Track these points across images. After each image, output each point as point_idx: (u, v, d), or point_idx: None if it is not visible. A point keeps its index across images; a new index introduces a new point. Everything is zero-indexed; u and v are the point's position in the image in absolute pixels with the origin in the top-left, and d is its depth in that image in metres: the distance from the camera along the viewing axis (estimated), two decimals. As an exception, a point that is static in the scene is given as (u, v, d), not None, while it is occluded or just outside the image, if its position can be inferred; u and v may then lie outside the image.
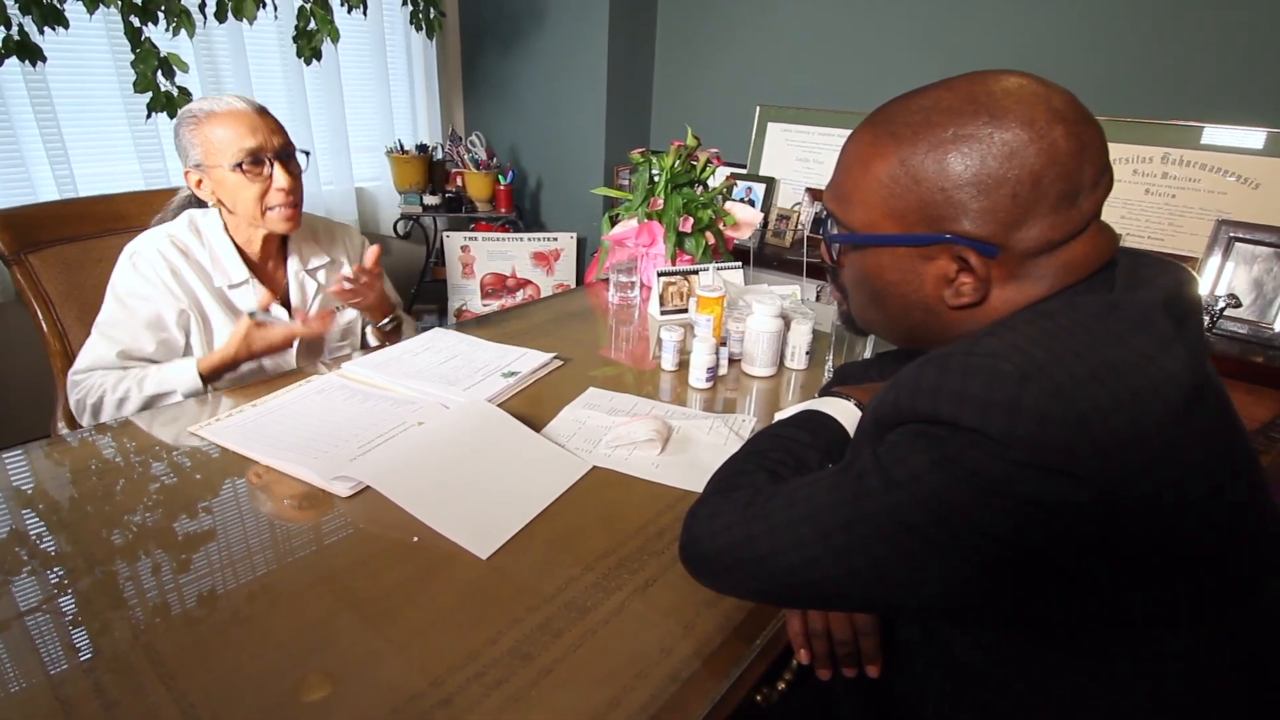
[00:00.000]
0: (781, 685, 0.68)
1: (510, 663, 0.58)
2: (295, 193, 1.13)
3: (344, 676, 0.56)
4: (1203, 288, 1.59)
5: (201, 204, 1.17)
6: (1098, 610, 0.49)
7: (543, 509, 0.78)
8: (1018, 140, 0.49)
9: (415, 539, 0.72)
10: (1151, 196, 1.66)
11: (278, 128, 1.12)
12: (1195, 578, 0.48)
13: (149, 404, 1.06)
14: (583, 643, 0.60)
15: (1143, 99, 1.70)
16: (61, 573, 0.67)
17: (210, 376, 1.08)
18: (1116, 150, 1.69)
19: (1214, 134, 1.62)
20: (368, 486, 0.80)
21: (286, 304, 1.23)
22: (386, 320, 1.29)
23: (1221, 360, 1.49)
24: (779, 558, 0.54)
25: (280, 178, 1.10)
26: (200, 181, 1.12)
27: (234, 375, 1.13)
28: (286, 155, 1.12)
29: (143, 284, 1.09)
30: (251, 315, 1.07)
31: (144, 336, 1.09)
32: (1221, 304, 1.54)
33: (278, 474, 0.83)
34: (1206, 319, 1.54)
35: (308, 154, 1.17)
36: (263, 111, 1.11)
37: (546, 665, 0.58)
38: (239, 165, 1.08)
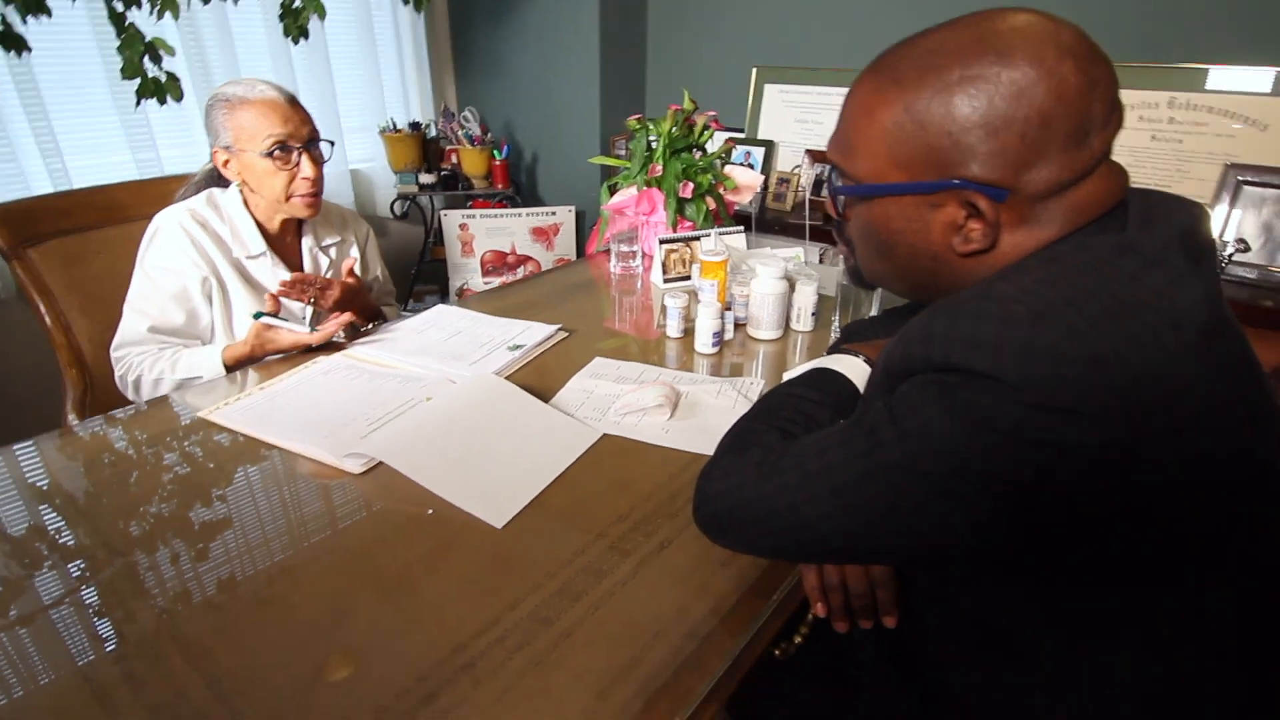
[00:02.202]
0: (798, 639, 0.69)
1: (531, 627, 0.58)
2: (318, 181, 1.18)
3: (367, 648, 0.56)
4: (1212, 231, 1.57)
5: (222, 182, 1.22)
6: (1115, 560, 0.49)
7: (555, 478, 0.79)
8: (1026, 79, 0.48)
9: (430, 511, 0.73)
10: (1158, 143, 1.63)
11: (307, 118, 1.17)
12: (1214, 524, 0.48)
13: (180, 385, 1.11)
14: (601, 605, 0.61)
15: (1147, 42, 1.66)
16: (81, 563, 0.67)
17: (234, 367, 1.11)
18: (1123, 97, 1.66)
19: (1220, 76, 1.58)
20: (380, 463, 0.80)
21: None
22: (370, 325, 1.29)
23: (1231, 305, 1.47)
24: (793, 514, 0.55)
25: (306, 167, 1.15)
26: (228, 162, 1.16)
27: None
28: (313, 144, 1.17)
29: (165, 257, 1.14)
30: (258, 317, 1.10)
31: (171, 308, 1.14)
32: (1230, 249, 1.51)
33: (290, 454, 0.84)
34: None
35: (332, 144, 1.22)
36: (294, 101, 1.16)
37: (566, 628, 0.58)
38: (269, 153, 1.12)
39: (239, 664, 0.55)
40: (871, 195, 0.57)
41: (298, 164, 1.14)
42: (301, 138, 1.14)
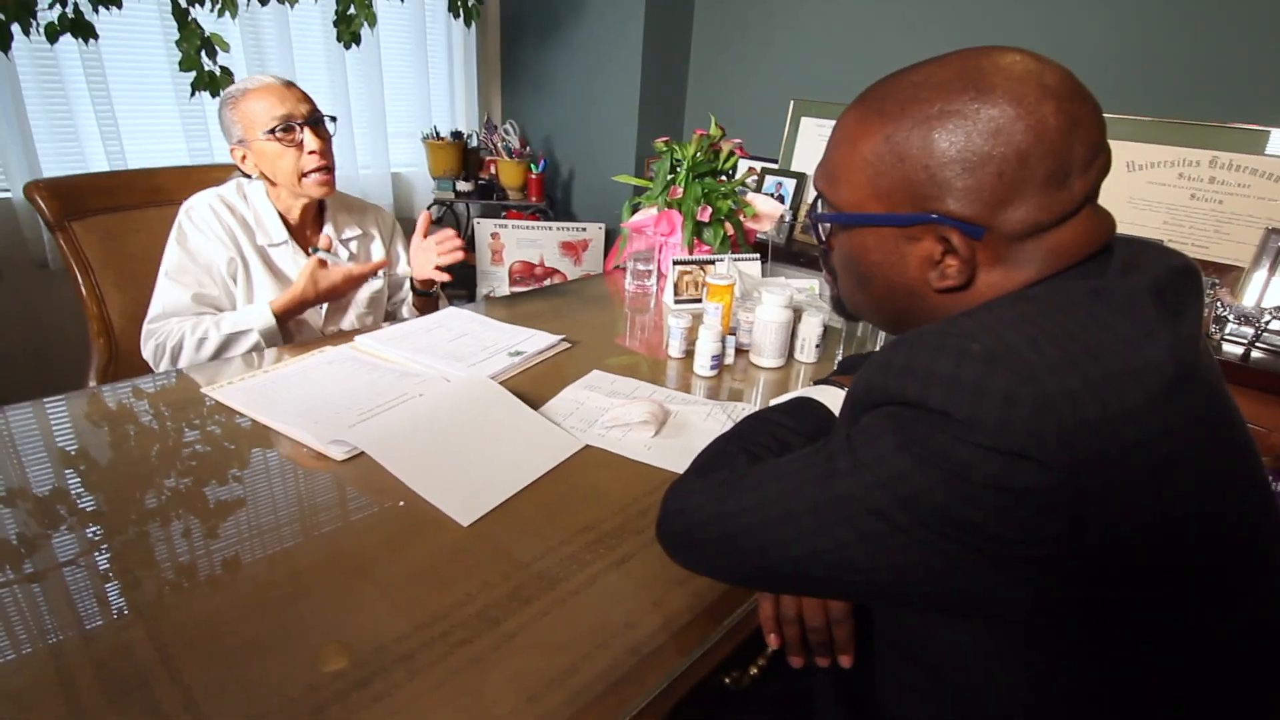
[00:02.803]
0: (754, 671, 0.68)
1: (476, 625, 0.58)
2: (327, 156, 1.22)
3: (312, 627, 0.57)
4: (1247, 299, 1.51)
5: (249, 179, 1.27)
6: (1064, 607, 0.47)
7: (529, 482, 0.79)
8: (1004, 117, 0.48)
9: (402, 504, 0.74)
10: (1197, 201, 1.59)
11: (304, 96, 1.22)
12: (1170, 580, 0.46)
13: (225, 344, 1.15)
14: (550, 611, 0.60)
15: (1194, 101, 1.63)
16: (69, 522, 0.70)
17: (283, 316, 1.17)
18: (1162, 153, 1.62)
19: (1277, 140, 1.54)
20: (362, 452, 0.81)
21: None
22: (434, 287, 1.37)
23: (1264, 375, 1.41)
24: (746, 537, 0.54)
25: (310, 141, 1.19)
26: (244, 156, 1.22)
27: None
28: (315, 121, 1.21)
29: (198, 233, 1.20)
30: (314, 251, 1.17)
31: (208, 281, 1.20)
32: (1267, 317, 1.46)
33: (280, 436, 0.86)
34: (1251, 331, 1.47)
35: (335, 119, 1.26)
36: (289, 84, 1.21)
37: (511, 630, 0.58)
38: (271, 132, 1.17)
39: (185, 627, 0.56)
40: (851, 224, 0.56)
41: (302, 140, 1.18)
42: (302, 114, 1.18)
